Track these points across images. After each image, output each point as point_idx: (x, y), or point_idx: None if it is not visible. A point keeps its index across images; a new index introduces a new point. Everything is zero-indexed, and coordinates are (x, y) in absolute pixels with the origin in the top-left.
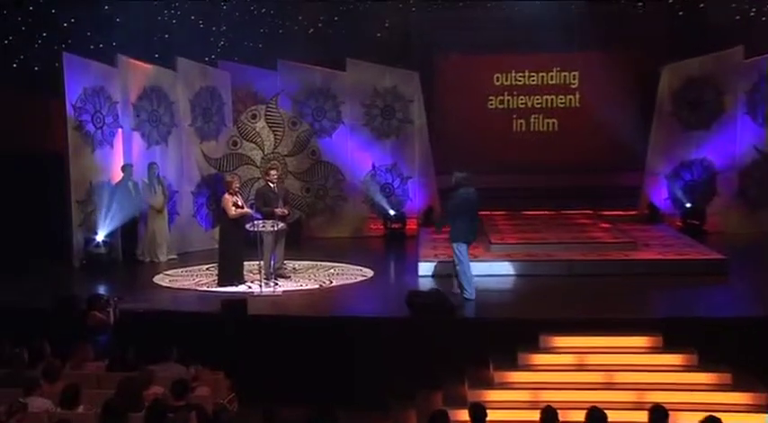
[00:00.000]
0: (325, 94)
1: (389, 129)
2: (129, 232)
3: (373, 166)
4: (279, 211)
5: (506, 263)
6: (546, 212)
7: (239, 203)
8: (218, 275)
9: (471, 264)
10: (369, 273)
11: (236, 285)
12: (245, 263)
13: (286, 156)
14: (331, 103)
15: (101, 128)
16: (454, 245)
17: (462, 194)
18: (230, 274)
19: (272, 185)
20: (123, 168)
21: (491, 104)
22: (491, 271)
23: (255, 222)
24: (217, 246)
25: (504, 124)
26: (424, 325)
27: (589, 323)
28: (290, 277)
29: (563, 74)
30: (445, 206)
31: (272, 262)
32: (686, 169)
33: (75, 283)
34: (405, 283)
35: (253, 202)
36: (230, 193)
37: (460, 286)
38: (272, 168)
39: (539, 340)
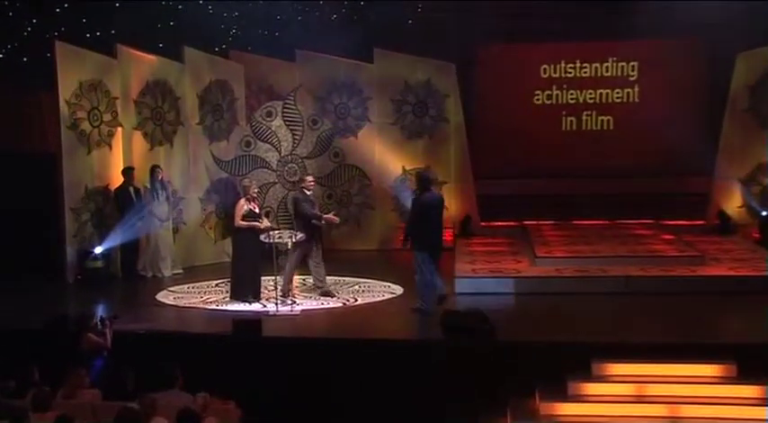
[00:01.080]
0: (350, 88)
1: (422, 128)
2: (128, 244)
3: (404, 170)
4: (330, 217)
5: (554, 279)
6: (600, 222)
7: (256, 211)
8: (230, 290)
9: (510, 279)
10: (398, 290)
11: (251, 302)
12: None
13: (305, 158)
14: (356, 98)
15: (98, 126)
16: (417, 253)
17: (427, 199)
18: (244, 288)
19: (308, 193)
20: (123, 172)
21: (537, 100)
22: (537, 288)
23: (271, 233)
24: (228, 259)
25: (552, 122)
26: (461, 349)
27: (649, 348)
28: (335, 296)
29: (620, 64)
30: (409, 211)
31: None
32: (763, 173)
33: (68, 300)
34: (434, 304)
35: (269, 209)
36: (246, 199)
37: (419, 298)
38: (309, 174)
39: (591, 368)
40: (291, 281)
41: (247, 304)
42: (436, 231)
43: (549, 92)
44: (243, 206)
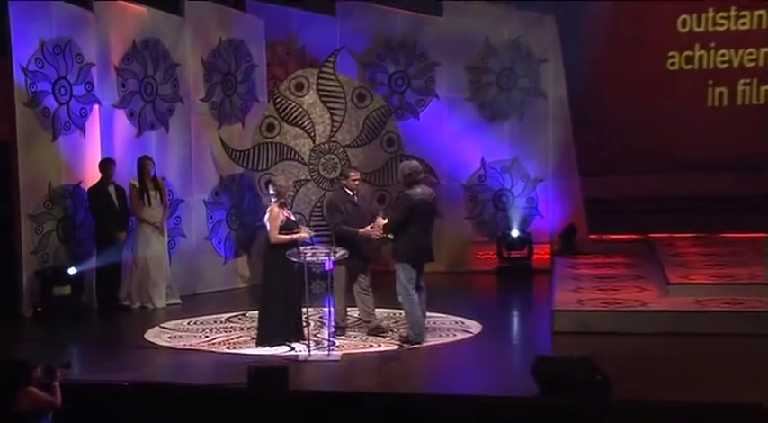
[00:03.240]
0: (410, 51)
1: (509, 105)
2: (108, 264)
3: (483, 163)
4: (367, 231)
5: (694, 314)
6: (760, 235)
7: (292, 218)
8: (259, 331)
9: (631, 314)
10: (474, 327)
11: (290, 345)
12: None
13: (349, 147)
14: (419, 65)
15: (66, 103)
16: (399, 266)
17: (418, 196)
18: (282, 327)
19: (350, 194)
20: (101, 166)
21: (672, 64)
22: (669, 327)
23: (302, 249)
24: (243, 285)
25: (693, 95)
26: (561, 409)
27: None
28: (387, 335)
29: None
30: (392, 211)
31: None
32: None
33: (19, 341)
34: (531, 343)
35: (299, 217)
36: (280, 205)
37: (407, 328)
38: (353, 169)
39: None
40: (344, 312)
41: (283, 346)
42: (425, 237)
43: (689, 53)
44: (278, 214)
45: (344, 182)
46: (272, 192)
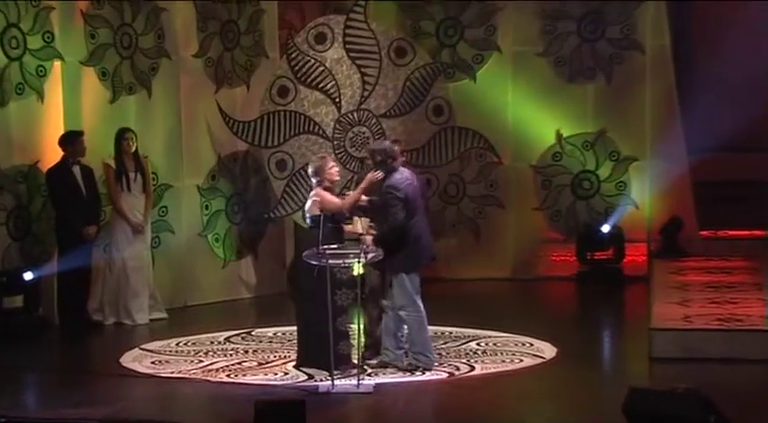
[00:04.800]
0: None
1: (594, 61)
2: (74, 268)
3: (559, 138)
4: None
5: None
6: None
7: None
8: (298, 349)
9: (753, 334)
10: (546, 350)
11: (343, 373)
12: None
13: (384, 116)
14: (476, 9)
15: (18, 59)
16: (400, 277)
17: (404, 183)
18: (322, 346)
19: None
20: (64, 141)
21: None
22: None
23: (326, 249)
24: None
25: None
26: None
27: None
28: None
29: None
30: (380, 217)
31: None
32: None
33: None
34: (621, 372)
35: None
36: (326, 187)
37: (414, 352)
38: (397, 142)
39: None
40: (377, 327)
41: (338, 374)
42: (426, 231)
43: None
44: (330, 197)
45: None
46: (310, 170)
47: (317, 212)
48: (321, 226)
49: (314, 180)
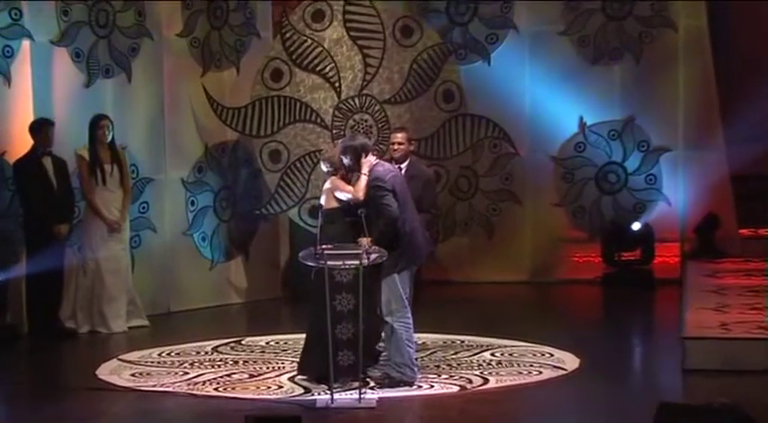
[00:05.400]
0: None
1: (621, 40)
2: (43, 272)
3: (582, 126)
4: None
5: None
6: None
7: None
8: (301, 354)
9: None
10: (569, 361)
11: (343, 383)
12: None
13: (388, 102)
14: None
15: None
16: (394, 279)
17: (389, 174)
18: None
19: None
20: (34, 129)
21: None
22: None
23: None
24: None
25: None
26: None
27: None
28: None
29: None
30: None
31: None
32: None
33: None
34: (651, 385)
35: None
36: (340, 177)
37: (397, 364)
38: (399, 129)
39: None
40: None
41: (345, 385)
42: (418, 224)
43: None
44: (344, 185)
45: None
46: (324, 169)
47: (335, 205)
48: (320, 220)
49: (327, 173)
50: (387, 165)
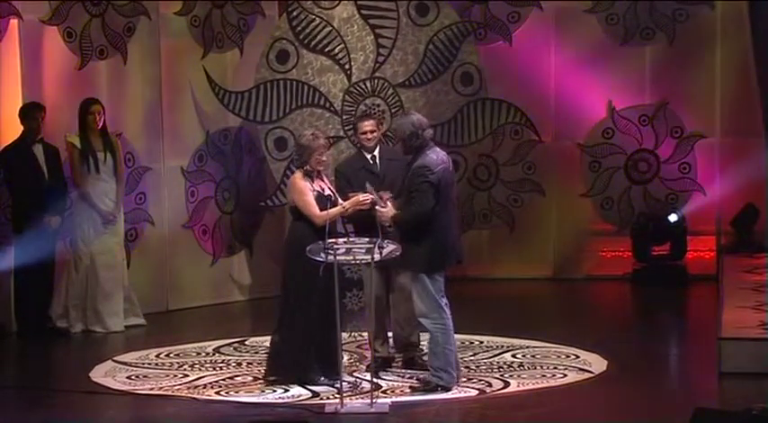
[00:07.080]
0: None
1: (652, 19)
2: (33, 266)
3: (611, 111)
4: (363, 200)
5: None
6: None
7: (325, 193)
8: (267, 360)
9: None
10: (595, 363)
11: (320, 382)
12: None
13: (402, 85)
14: None
15: None
16: (421, 278)
17: (439, 166)
18: (308, 356)
19: (367, 157)
20: (23, 114)
21: None
22: None
23: (332, 244)
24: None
25: None
26: None
27: None
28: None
29: None
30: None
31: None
32: None
33: None
34: (685, 389)
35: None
36: (305, 174)
37: (435, 368)
38: (368, 117)
39: None
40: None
41: (303, 387)
42: (455, 225)
43: None
44: (305, 187)
45: (360, 137)
46: (296, 145)
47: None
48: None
49: (295, 161)
50: (441, 154)
